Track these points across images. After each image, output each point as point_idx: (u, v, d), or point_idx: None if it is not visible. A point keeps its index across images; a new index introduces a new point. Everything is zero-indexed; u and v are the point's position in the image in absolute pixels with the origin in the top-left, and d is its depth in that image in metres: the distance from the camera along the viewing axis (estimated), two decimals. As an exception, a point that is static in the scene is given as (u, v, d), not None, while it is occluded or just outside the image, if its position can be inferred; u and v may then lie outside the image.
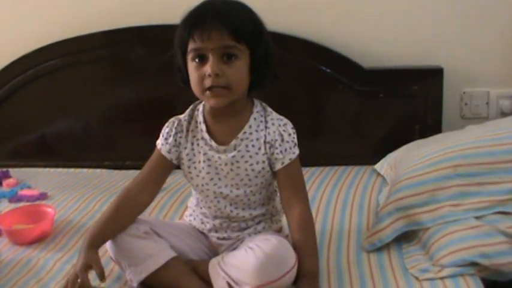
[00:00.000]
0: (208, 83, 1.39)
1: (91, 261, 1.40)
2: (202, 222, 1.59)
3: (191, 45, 1.40)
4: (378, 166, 2.22)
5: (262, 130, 1.49)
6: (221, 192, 1.51)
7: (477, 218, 1.62)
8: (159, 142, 1.55)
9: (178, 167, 1.57)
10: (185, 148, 1.53)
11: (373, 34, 2.37)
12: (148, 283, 1.46)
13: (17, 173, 2.44)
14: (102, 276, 1.40)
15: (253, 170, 1.48)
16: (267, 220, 1.57)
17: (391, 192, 1.76)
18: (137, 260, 1.45)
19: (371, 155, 2.29)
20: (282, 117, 1.52)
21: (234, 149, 1.48)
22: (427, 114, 2.33)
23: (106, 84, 2.52)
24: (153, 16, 2.39)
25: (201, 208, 1.59)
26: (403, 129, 2.34)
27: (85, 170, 2.49)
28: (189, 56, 1.42)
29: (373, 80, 2.34)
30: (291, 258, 1.39)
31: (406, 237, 1.68)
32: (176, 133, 1.53)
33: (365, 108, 2.37)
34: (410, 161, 1.84)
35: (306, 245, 1.46)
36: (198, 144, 1.52)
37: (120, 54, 2.47)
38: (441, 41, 2.35)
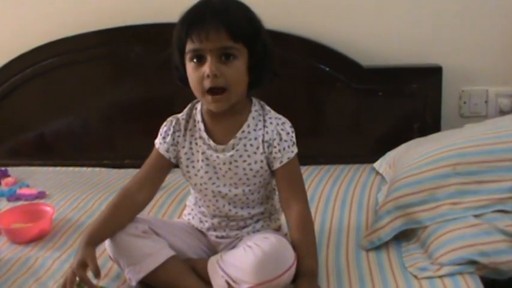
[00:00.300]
0: (207, 84, 1.39)
1: (87, 258, 1.39)
2: (201, 221, 1.59)
3: (189, 46, 1.40)
4: (376, 165, 2.22)
5: (260, 129, 1.49)
6: (219, 192, 1.51)
7: (476, 216, 1.62)
8: (157, 141, 1.55)
9: (176, 166, 1.57)
10: (183, 147, 1.53)
11: (372, 32, 2.37)
12: (147, 282, 1.46)
13: (16, 172, 2.44)
14: (97, 274, 1.39)
15: (251, 169, 1.48)
16: (266, 219, 1.57)
17: (390, 190, 1.76)
18: (136, 259, 1.44)
19: (370, 153, 2.30)
20: (280, 116, 1.52)
21: (233, 148, 1.48)
22: (426, 112, 2.33)
23: (104, 83, 2.52)
24: (151, 14, 2.39)
25: (199, 207, 1.59)
26: (402, 128, 2.35)
27: (84, 168, 2.49)
28: (187, 56, 1.42)
29: (372, 79, 2.34)
30: (290, 256, 1.39)
31: (405, 236, 1.68)
32: (174, 132, 1.53)
33: (364, 107, 2.37)
34: (409, 160, 1.84)
35: (305, 244, 1.46)
36: (196, 143, 1.52)
37: (118, 53, 2.47)
38: (440, 39, 2.35)
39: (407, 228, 1.67)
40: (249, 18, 1.43)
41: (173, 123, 1.54)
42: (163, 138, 1.54)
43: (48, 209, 1.91)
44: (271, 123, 1.49)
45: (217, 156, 1.49)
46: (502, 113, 2.35)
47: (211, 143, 1.49)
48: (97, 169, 2.48)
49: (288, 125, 1.51)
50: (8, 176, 2.39)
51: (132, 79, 2.48)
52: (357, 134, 2.41)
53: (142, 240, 1.47)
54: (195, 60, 1.40)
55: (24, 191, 2.20)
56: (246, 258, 1.37)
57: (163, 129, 1.55)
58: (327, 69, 2.35)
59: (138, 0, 2.45)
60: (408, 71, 2.33)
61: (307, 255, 1.44)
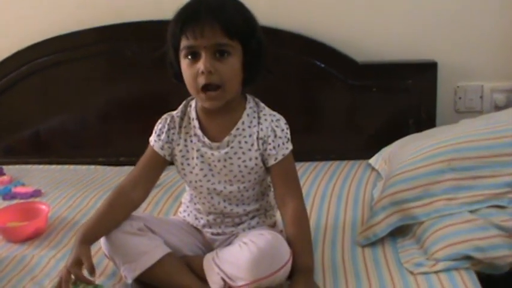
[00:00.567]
0: (202, 80, 1.39)
1: (81, 256, 1.39)
2: (196, 218, 1.59)
3: (184, 43, 1.40)
4: (372, 160, 2.22)
5: (255, 126, 1.49)
6: (215, 189, 1.51)
7: (471, 211, 1.62)
8: (152, 139, 1.55)
9: (172, 163, 1.56)
10: (178, 145, 1.53)
11: (367, 28, 2.37)
12: (143, 280, 1.46)
13: (11, 170, 2.44)
14: (92, 272, 1.39)
15: (246, 166, 1.48)
16: (261, 215, 1.57)
17: (385, 186, 1.76)
18: (131, 256, 1.44)
19: (365, 149, 2.30)
20: (275, 112, 1.52)
21: (227, 146, 1.48)
22: (421, 108, 2.33)
23: (100, 81, 2.52)
24: (148, 12, 2.38)
25: (195, 204, 1.59)
26: (397, 124, 2.35)
27: (79, 166, 2.49)
28: (182, 53, 1.42)
29: (367, 75, 2.34)
30: (286, 253, 1.39)
31: (400, 232, 1.68)
32: (169, 129, 1.53)
33: (359, 103, 2.37)
34: (404, 156, 1.84)
35: (300, 241, 1.46)
36: (191, 141, 1.52)
37: (114, 50, 2.47)
38: (435, 35, 2.35)
39: (403, 224, 1.67)
40: (244, 15, 1.43)
41: (168, 121, 1.54)
42: (158, 135, 1.54)
43: (43, 207, 1.91)
44: (265, 120, 1.49)
45: (212, 154, 1.49)
46: (497, 108, 2.36)
47: (206, 140, 1.49)
48: (92, 167, 2.48)
49: (282, 121, 1.50)
50: (4, 174, 2.39)
51: (127, 76, 2.48)
52: (352, 130, 2.41)
53: (138, 238, 1.46)
54: (189, 57, 1.40)
55: (20, 189, 2.19)
56: (241, 254, 1.37)
57: (158, 126, 1.55)
58: (322, 65, 2.35)
59: (133, -3, 2.45)
60: (403, 66, 2.33)
61: (302, 252, 1.44)
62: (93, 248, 1.46)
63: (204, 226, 1.58)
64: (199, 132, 1.50)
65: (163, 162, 1.55)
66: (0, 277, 1.56)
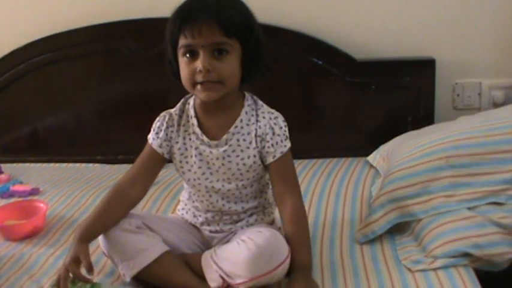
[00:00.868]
0: (199, 78, 1.39)
1: (80, 255, 1.39)
2: (195, 216, 1.59)
3: (182, 41, 1.39)
4: (370, 158, 2.22)
5: (253, 124, 1.48)
6: (213, 187, 1.51)
7: (470, 208, 1.62)
8: (150, 136, 1.55)
9: (170, 161, 1.56)
10: (177, 142, 1.52)
11: (365, 26, 2.37)
12: (141, 278, 1.46)
13: (9, 169, 2.44)
14: (90, 270, 1.39)
15: (244, 164, 1.48)
16: (259, 213, 1.57)
17: (383, 183, 1.76)
18: (130, 254, 1.44)
19: (364, 146, 2.30)
20: (273, 110, 1.52)
21: (226, 144, 1.48)
22: (419, 105, 2.33)
23: (98, 78, 2.52)
24: (144, 9, 2.38)
25: (193, 202, 1.59)
26: (395, 121, 2.35)
27: (77, 164, 2.49)
28: (180, 52, 1.41)
29: (365, 72, 2.34)
30: (284, 250, 1.39)
31: (399, 229, 1.68)
32: (167, 127, 1.53)
33: (357, 100, 2.37)
34: (402, 153, 1.84)
35: (298, 238, 1.46)
36: (190, 139, 1.51)
37: (111, 48, 2.46)
38: (433, 32, 2.35)
39: (401, 221, 1.67)
40: (242, 13, 1.42)
41: (166, 119, 1.54)
42: (157, 133, 1.53)
43: (41, 205, 1.91)
44: (264, 117, 1.49)
45: (211, 152, 1.48)
46: (495, 105, 2.36)
47: (205, 138, 1.49)
48: (90, 165, 2.47)
49: (280, 119, 1.50)
50: (1, 172, 2.38)
51: (125, 74, 2.48)
52: (351, 128, 2.41)
53: (136, 236, 1.46)
54: (187, 55, 1.40)
55: (18, 187, 2.19)
56: (239, 252, 1.37)
57: (156, 124, 1.55)
58: (320, 62, 2.35)
59: (130, -6, 2.45)
60: (401, 64, 2.33)
61: (301, 249, 1.44)
62: (92, 246, 1.46)
63: (202, 224, 1.58)
64: (197, 130, 1.49)
65: (161, 160, 1.54)
66: (-1, 275, 1.57)
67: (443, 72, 2.33)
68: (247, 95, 1.53)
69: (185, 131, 1.52)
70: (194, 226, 1.60)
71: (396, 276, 1.46)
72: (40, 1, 2.50)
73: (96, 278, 1.48)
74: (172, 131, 1.53)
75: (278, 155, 1.47)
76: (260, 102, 1.53)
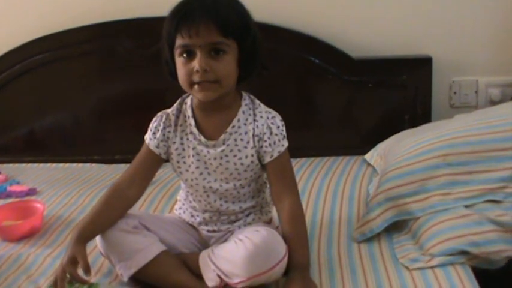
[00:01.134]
0: (196, 78, 1.39)
1: (77, 256, 1.39)
2: (192, 216, 1.59)
3: (179, 41, 1.39)
4: (367, 156, 2.22)
5: (250, 123, 1.48)
6: (210, 187, 1.51)
7: (467, 206, 1.63)
8: (148, 137, 1.54)
9: (167, 161, 1.56)
10: (174, 143, 1.52)
11: (362, 24, 2.37)
12: (138, 277, 1.46)
13: (6, 169, 2.43)
14: (87, 271, 1.39)
15: (242, 164, 1.48)
16: (257, 212, 1.57)
17: (380, 182, 1.76)
18: (127, 254, 1.44)
19: (361, 145, 2.30)
20: (270, 109, 1.52)
21: (223, 144, 1.47)
22: (416, 103, 2.34)
23: (94, 78, 2.51)
24: (140, 9, 2.37)
25: (190, 202, 1.58)
26: (392, 119, 2.35)
27: (74, 164, 2.48)
28: (177, 52, 1.41)
29: (362, 70, 2.34)
30: (281, 249, 1.39)
31: (396, 227, 1.68)
32: (165, 128, 1.52)
33: (354, 99, 2.37)
34: (399, 151, 1.84)
35: (296, 237, 1.46)
36: (187, 139, 1.51)
37: (107, 48, 2.46)
38: (430, 30, 2.35)
39: (399, 220, 1.67)
40: (239, 12, 1.42)
41: (163, 119, 1.53)
42: (154, 133, 1.53)
43: (38, 205, 1.91)
44: (261, 117, 1.49)
45: (208, 152, 1.48)
46: (492, 103, 2.36)
47: (202, 138, 1.49)
48: (87, 165, 2.47)
49: (278, 118, 1.50)
50: (-1, 173, 2.38)
51: (121, 74, 2.47)
52: (348, 126, 2.41)
53: (133, 236, 1.46)
54: (184, 55, 1.40)
55: (15, 188, 2.19)
56: (237, 251, 1.37)
57: (153, 124, 1.55)
58: (317, 61, 2.34)
59: (126, -6, 2.44)
60: (398, 62, 2.33)
61: (299, 249, 1.44)
62: (89, 246, 1.46)
63: (200, 224, 1.58)
64: (195, 130, 1.49)
65: (158, 160, 1.54)
66: (-4, 276, 1.57)
67: (440, 70, 2.33)
68: (245, 94, 1.53)
69: (182, 131, 1.52)
70: (192, 226, 1.60)
71: (394, 275, 1.46)
72: (36, 1, 2.50)
73: (93, 278, 1.48)
74: (169, 131, 1.52)
75: (276, 154, 1.47)
76: (257, 101, 1.53)
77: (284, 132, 1.49)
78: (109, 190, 1.53)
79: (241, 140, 1.47)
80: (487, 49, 2.35)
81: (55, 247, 1.72)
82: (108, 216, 1.48)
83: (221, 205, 1.53)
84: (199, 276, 1.44)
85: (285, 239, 1.44)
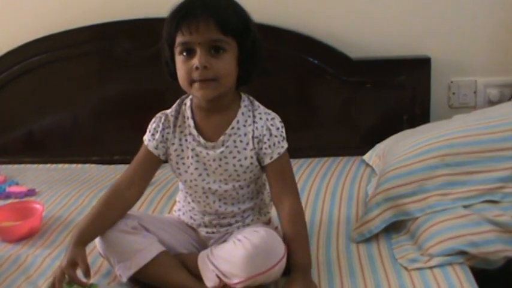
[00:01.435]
0: (196, 75, 1.39)
1: (77, 258, 1.39)
2: (191, 217, 1.59)
3: (179, 39, 1.40)
4: (366, 157, 2.22)
5: (250, 125, 1.48)
6: (209, 188, 1.51)
7: (465, 207, 1.63)
8: (146, 138, 1.54)
9: (166, 162, 1.56)
10: (173, 144, 1.52)
11: (361, 25, 2.37)
12: (137, 278, 1.46)
13: (5, 170, 2.43)
14: (87, 273, 1.39)
15: (241, 165, 1.48)
16: (256, 213, 1.57)
17: (379, 182, 1.76)
18: (126, 255, 1.44)
19: (359, 145, 2.30)
20: (269, 111, 1.52)
21: (222, 145, 1.47)
22: (415, 104, 2.34)
23: (93, 79, 2.51)
24: (139, 9, 2.37)
25: (189, 203, 1.58)
26: (391, 120, 2.35)
27: (73, 165, 2.48)
28: (177, 50, 1.42)
29: (360, 71, 2.34)
30: (280, 249, 1.39)
31: (395, 228, 1.68)
32: (163, 129, 1.52)
33: (353, 99, 2.37)
34: (398, 151, 1.84)
35: (297, 239, 1.46)
36: (186, 140, 1.51)
37: (107, 49, 2.46)
38: (428, 30, 2.35)
39: (397, 220, 1.67)
40: (239, 12, 1.43)
41: (162, 120, 1.53)
42: (152, 135, 1.53)
43: (37, 206, 1.90)
44: (260, 118, 1.49)
45: (207, 153, 1.48)
46: (491, 103, 2.36)
47: (201, 139, 1.49)
48: (86, 165, 2.46)
49: (277, 120, 1.50)
50: (-2, 173, 2.38)
51: (120, 75, 2.47)
52: (347, 126, 2.41)
53: (132, 237, 1.46)
54: (184, 53, 1.40)
55: (14, 188, 2.18)
56: (236, 252, 1.37)
57: (152, 125, 1.55)
58: (316, 62, 2.35)
59: (125, -5, 2.44)
60: (397, 62, 2.34)
61: (300, 250, 1.44)
62: (88, 247, 1.46)
63: (199, 225, 1.58)
64: (194, 131, 1.49)
65: (157, 162, 1.54)
66: (-5, 277, 1.57)
67: (438, 70, 2.34)
68: (244, 96, 1.53)
69: (181, 132, 1.52)
70: (191, 227, 1.60)
71: (392, 275, 1.46)
72: (35, 2, 2.50)
73: (92, 279, 1.47)
74: (168, 133, 1.52)
75: (275, 156, 1.47)
76: (257, 103, 1.53)
77: (284, 134, 1.49)
78: (108, 191, 1.53)
79: (241, 141, 1.48)
80: (486, 49, 2.36)
81: (54, 248, 1.72)
82: (107, 217, 1.48)
83: (220, 206, 1.53)
84: (198, 277, 1.44)
85: (286, 240, 1.44)
